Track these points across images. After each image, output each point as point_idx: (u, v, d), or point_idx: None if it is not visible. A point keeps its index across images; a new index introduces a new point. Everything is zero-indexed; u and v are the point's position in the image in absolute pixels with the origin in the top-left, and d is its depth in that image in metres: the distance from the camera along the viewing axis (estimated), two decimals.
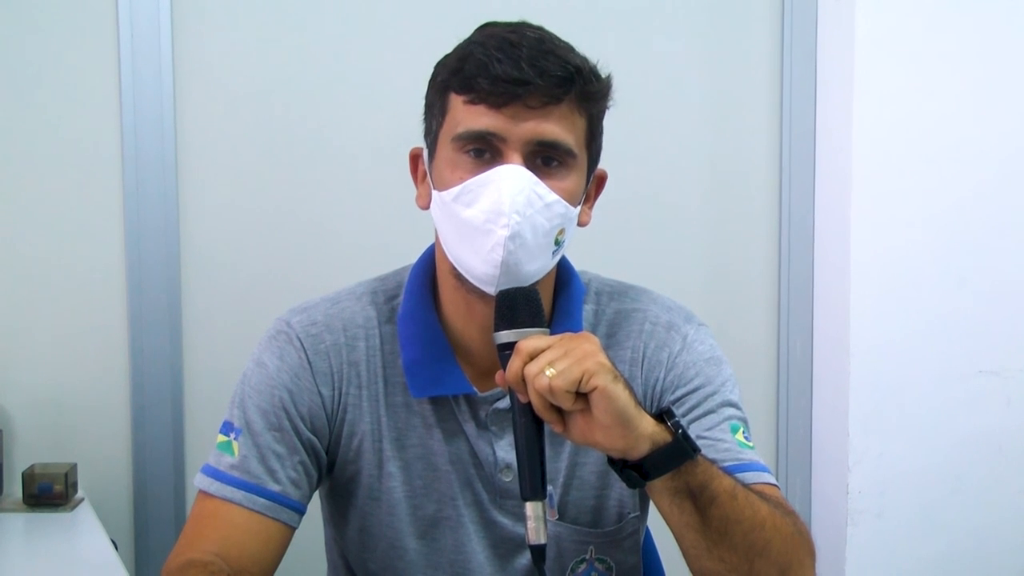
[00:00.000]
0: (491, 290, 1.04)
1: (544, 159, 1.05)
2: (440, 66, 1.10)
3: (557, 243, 1.07)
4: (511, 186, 1.01)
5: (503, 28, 1.07)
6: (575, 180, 1.07)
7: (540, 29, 1.07)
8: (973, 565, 2.06)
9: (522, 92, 1.01)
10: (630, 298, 1.19)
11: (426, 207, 1.12)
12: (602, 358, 0.93)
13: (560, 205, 1.05)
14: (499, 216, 1.01)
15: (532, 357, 0.93)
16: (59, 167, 1.68)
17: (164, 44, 1.70)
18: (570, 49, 1.07)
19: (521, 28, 1.07)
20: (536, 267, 1.05)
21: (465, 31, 1.10)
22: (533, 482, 0.96)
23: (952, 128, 2.01)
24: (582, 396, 0.93)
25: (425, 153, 1.12)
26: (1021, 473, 2.09)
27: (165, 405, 1.72)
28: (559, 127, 1.04)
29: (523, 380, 0.93)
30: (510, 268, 1.02)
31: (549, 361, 0.92)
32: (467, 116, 1.04)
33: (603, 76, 1.08)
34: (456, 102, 1.05)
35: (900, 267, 2.01)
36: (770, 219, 2.06)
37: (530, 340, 0.95)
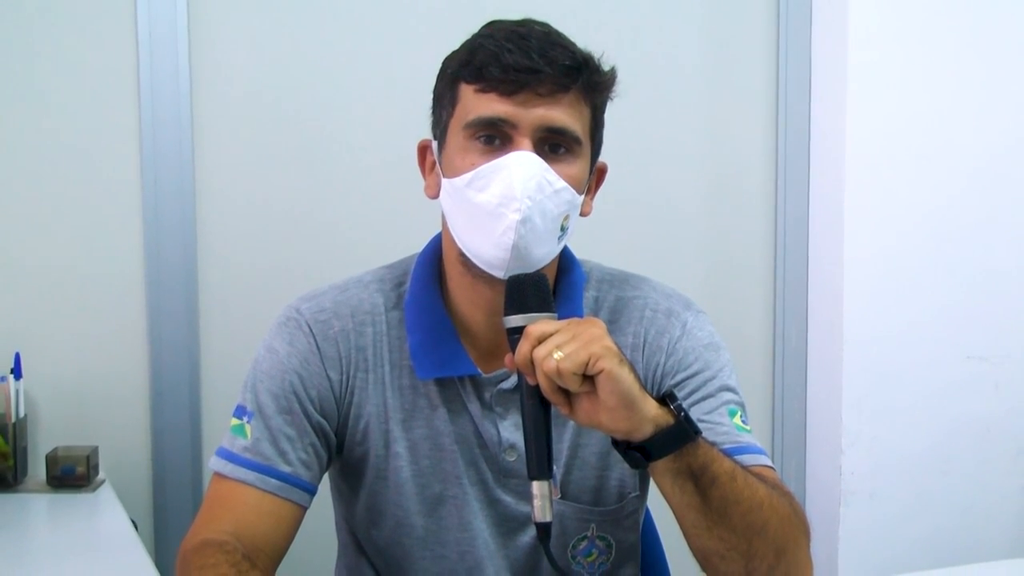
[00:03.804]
0: (500, 274, 1.03)
1: (552, 146, 1.04)
2: (449, 60, 1.09)
3: (563, 229, 1.06)
4: (523, 172, 1.01)
5: (510, 23, 1.07)
6: (580, 167, 1.07)
7: (546, 24, 1.08)
8: (961, 544, 2.05)
9: (532, 80, 1.01)
10: (630, 285, 1.18)
11: (435, 196, 1.11)
12: (608, 342, 0.92)
13: (568, 192, 1.04)
14: (511, 201, 1.00)
15: (540, 341, 0.93)
16: (80, 164, 1.67)
17: (181, 45, 1.68)
18: (574, 44, 1.07)
19: (528, 23, 1.07)
20: (544, 251, 1.05)
21: (472, 31, 1.09)
22: (540, 462, 0.95)
23: (942, 124, 2.00)
24: (588, 379, 0.92)
25: (434, 144, 1.12)
26: (1008, 455, 2.08)
27: (182, 391, 1.71)
28: (567, 114, 1.03)
29: (531, 363, 0.93)
30: (520, 252, 1.01)
31: (557, 344, 0.91)
32: (478, 104, 1.03)
33: (607, 69, 1.08)
34: (467, 91, 1.05)
35: (892, 257, 2.00)
36: (766, 212, 2.05)
37: (539, 324, 0.94)
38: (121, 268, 1.69)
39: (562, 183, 1.03)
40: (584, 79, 1.04)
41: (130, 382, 1.70)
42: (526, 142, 1.02)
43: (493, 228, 1.01)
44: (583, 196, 1.09)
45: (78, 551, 1.35)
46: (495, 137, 1.03)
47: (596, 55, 1.07)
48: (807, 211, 2.05)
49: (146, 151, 1.68)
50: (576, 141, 1.05)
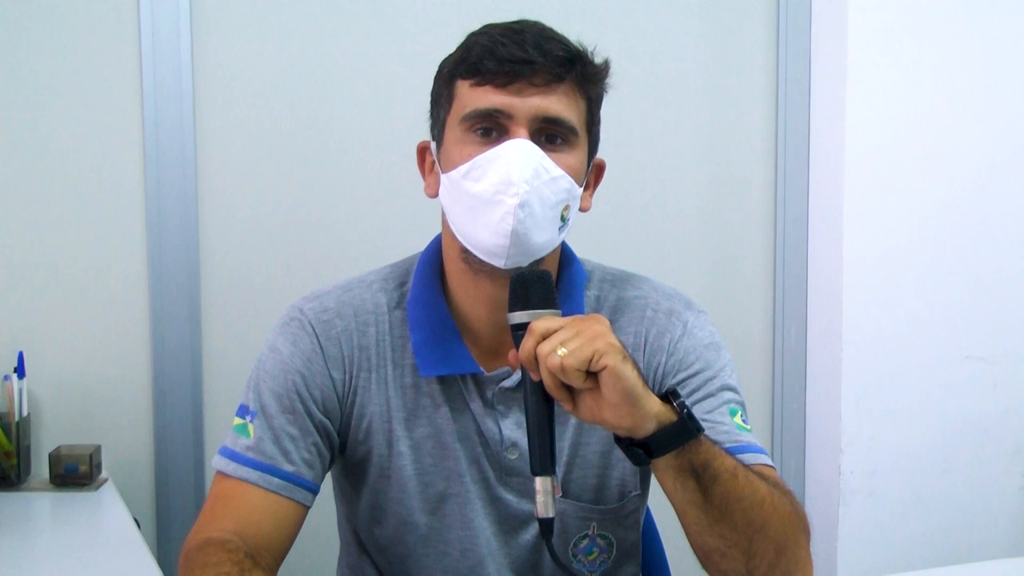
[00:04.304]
0: (501, 263, 1.03)
1: (548, 136, 1.05)
2: (445, 60, 1.10)
3: (563, 219, 1.06)
4: (519, 158, 1.01)
5: (505, 23, 1.08)
6: (578, 159, 1.07)
7: (540, 22, 1.08)
8: (960, 543, 2.05)
9: (527, 71, 1.02)
10: (631, 285, 1.18)
11: (435, 195, 1.11)
12: (612, 339, 0.92)
13: (565, 180, 1.04)
14: (509, 186, 1.00)
15: (545, 337, 0.92)
16: (83, 165, 1.67)
17: (183, 45, 1.68)
18: (567, 39, 1.08)
19: (522, 21, 1.08)
20: (544, 240, 1.04)
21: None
22: (543, 458, 0.95)
23: (942, 124, 2.00)
24: (592, 375, 0.91)
25: (433, 145, 1.12)
26: (1007, 454, 2.08)
27: (185, 390, 1.71)
28: (562, 104, 1.04)
29: (535, 359, 0.92)
30: (520, 238, 1.01)
31: (561, 341, 0.91)
32: (474, 97, 1.04)
33: (600, 61, 1.09)
34: (463, 87, 1.05)
35: (892, 257, 1.99)
36: (766, 212, 2.05)
37: (543, 321, 0.94)
38: (124, 268, 1.69)
39: (559, 171, 1.03)
40: (578, 70, 1.05)
41: (133, 381, 1.70)
42: (522, 132, 1.02)
43: (491, 215, 1.01)
44: (582, 189, 1.08)
45: (81, 550, 1.34)
46: (492, 129, 1.03)
47: (589, 49, 1.08)
48: (807, 211, 2.05)
49: (149, 152, 1.68)
50: (572, 131, 1.05)
